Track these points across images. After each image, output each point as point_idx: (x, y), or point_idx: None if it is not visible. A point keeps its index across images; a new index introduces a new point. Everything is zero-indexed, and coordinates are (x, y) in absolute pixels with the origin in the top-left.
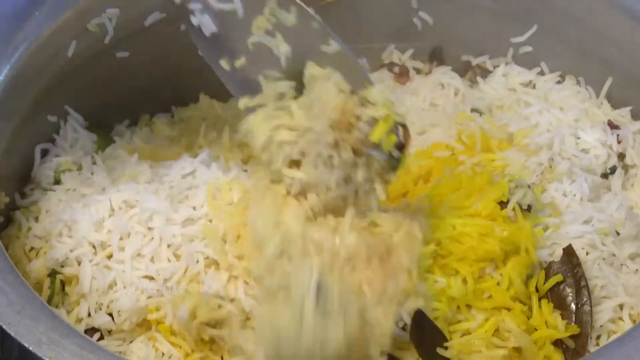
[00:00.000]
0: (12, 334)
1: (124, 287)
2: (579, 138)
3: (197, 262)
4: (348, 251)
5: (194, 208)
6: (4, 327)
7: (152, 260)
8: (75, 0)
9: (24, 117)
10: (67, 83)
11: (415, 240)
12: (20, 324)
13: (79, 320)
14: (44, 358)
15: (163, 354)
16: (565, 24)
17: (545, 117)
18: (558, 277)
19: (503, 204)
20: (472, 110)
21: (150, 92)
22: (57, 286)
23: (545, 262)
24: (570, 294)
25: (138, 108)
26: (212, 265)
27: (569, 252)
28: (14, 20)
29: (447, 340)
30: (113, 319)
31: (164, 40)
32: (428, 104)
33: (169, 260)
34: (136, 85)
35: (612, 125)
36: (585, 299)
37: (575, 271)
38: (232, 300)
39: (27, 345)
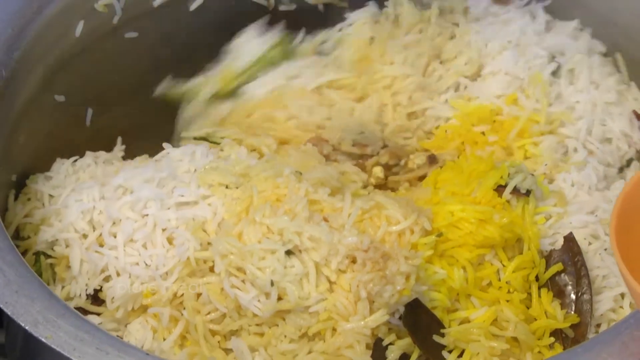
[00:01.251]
0: (9, 314)
1: (118, 275)
2: (605, 125)
3: (187, 249)
4: (347, 247)
5: (190, 191)
6: (1, 306)
7: (144, 246)
8: None
9: (31, 97)
10: (74, 63)
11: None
12: (17, 304)
13: (70, 299)
14: (40, 338)
15: (164, 339)
16: None
17: (584, 97)
18: (558, 266)
19: (501, 188)
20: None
21: (159, 73)
22: (43, 262)
23: (546, 251)
24: (570, 283)
25: (146, 89)
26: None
27: (569, 239)
28: (22, 3)
29: (444, 327)
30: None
31: (173, 20)
32: (513, 42)
33: (163, 246)
34: (144, 65)
35: (638, 116)
36: (585, 288)
37: (575, 259)
38: (222, 289)
39: (23, 325)
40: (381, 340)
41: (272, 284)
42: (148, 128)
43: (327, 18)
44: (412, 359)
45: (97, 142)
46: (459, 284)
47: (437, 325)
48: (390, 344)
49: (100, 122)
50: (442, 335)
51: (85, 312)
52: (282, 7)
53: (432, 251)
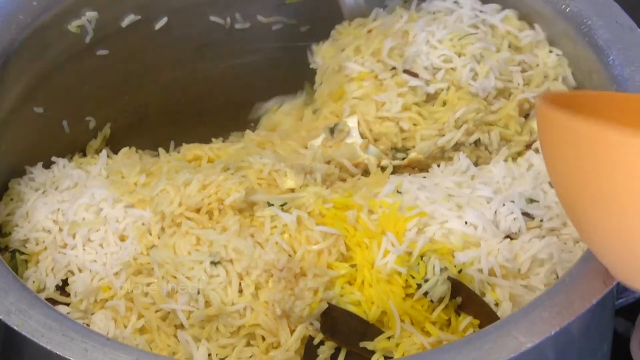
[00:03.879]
0: None
1: (80, 271)
2: None
3: (129, 253)
4: (265, 263)
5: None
6: None
7: (101, 245)
8: (56, 5)
9: (11, 109)
10: (52, 78)
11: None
12: None
13: (41, 290)
14: (12, 326)
15: (125, 327)
16: None
17: None
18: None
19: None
20: None
21: (130, 85)
22: (19, 259)
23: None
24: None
25: (118, 99)
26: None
27: (455, 286)
28: (0, 25)
29: (364, 322)
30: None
31: (140, 39)
32: None
33: (116, 244)
34: (116, 79)
35: None
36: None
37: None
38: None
39: None
40: (312, 339)
41: (198, 292)
42: (121, 136)
43: (281, 37)
44: (341, 357)
45: (77, 147)
46: (373, 315)
47: (358, 322)
48: (322, 342)
49: (79, 129)
50: (366, 335)
51: (55, 302)
52: (237, 25)
53: (345, 269)
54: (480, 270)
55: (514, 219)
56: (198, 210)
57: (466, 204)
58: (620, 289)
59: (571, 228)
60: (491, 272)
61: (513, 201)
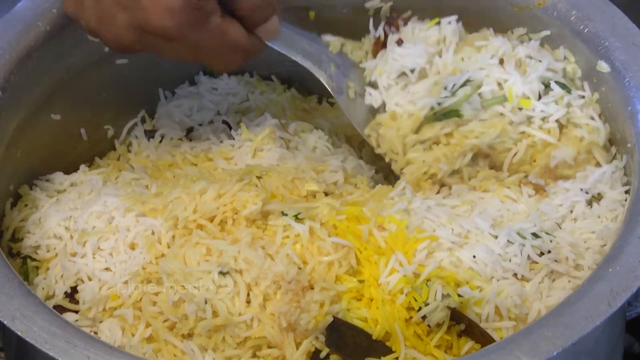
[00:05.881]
0: None
1: (89, 280)
2: None
3: (137, 263)
4: (275, 274)
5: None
6: None
7: (110, 254)
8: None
9: (27, 115)
10: (70, 86)
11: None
12: None
13: (50, 297)
14: (15, 331)
15: (133, 335)
16: None
17: None
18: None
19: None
20: None
21: (148, 92)
22: (30, 265)
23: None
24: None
25: (137, 106)
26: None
27: (456, 315)
28: (20, 33)
29: (370, 336)
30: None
31: None
32: None
33: (126, 253)
34: (135, 88)
35: None
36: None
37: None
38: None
39: (1, 320)
40: (318, 352)
41: (205, 301)
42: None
43: None
44: None
45: (95, 155)
46: (378, 334)
47: (363, 337)
48: (327, 356)
49: (97, 137)
50: (371, 350)
51: (63, 309)
52: None
53: (353, 284)
54: (487, 318)
55: (522, 257)
56: (212, 219)
57: (472, 236)
58: None
59: (584, 272)
60: (497, 313)
61: (522, 237)
